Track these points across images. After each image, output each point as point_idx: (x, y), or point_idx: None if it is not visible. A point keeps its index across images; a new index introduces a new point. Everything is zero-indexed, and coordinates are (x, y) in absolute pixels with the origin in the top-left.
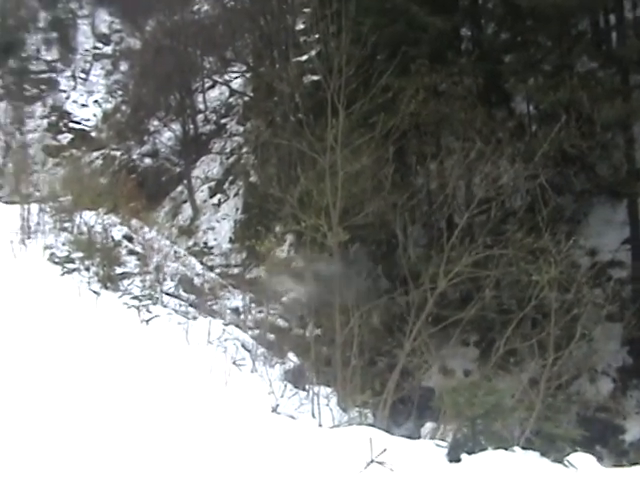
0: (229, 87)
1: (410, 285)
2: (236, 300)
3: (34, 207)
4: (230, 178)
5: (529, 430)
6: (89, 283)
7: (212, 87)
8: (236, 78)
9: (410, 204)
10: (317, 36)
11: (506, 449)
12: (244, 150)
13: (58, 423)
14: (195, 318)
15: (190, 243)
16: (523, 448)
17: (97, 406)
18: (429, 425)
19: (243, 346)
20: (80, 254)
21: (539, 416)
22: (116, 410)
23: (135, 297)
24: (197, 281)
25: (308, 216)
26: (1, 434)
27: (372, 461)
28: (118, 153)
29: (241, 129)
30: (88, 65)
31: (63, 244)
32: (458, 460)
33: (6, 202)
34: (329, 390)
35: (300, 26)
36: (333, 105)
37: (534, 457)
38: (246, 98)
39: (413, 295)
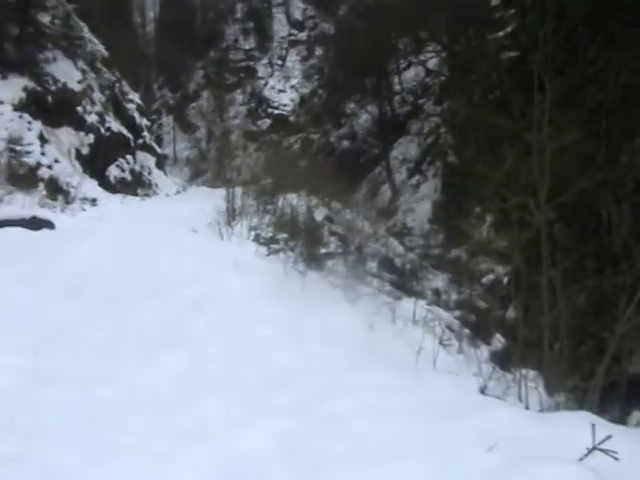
0: (425, 67)
1: (622, 265)
2: (436, 281)
3: (237, 190)
4: (428, 159)
5: None
6: (294, 263)
7: (407, 68)
8: (431, 58)
9: (618, 181)
10: (513, 11)
11: None
12: (442, 130)
13: None
14: (399, 298)
15: (389, 224)
16: None
17: None
18: (637, 414)
19: (447, 327)
20: (284, 235)
21: None
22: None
23: (341, 277)
24: (397, 262)
25: (514, 194)
26: None
27: (594, 448)
28: (316, 136)
29: (438, 109)
30: (284, 52)
31: (267, 225)
32: None
33: (210, 186)
34: (535, 373)
35: (495, 1)
36: (539, 80)
37: None
38: (442, 78)
39: (625, 276)
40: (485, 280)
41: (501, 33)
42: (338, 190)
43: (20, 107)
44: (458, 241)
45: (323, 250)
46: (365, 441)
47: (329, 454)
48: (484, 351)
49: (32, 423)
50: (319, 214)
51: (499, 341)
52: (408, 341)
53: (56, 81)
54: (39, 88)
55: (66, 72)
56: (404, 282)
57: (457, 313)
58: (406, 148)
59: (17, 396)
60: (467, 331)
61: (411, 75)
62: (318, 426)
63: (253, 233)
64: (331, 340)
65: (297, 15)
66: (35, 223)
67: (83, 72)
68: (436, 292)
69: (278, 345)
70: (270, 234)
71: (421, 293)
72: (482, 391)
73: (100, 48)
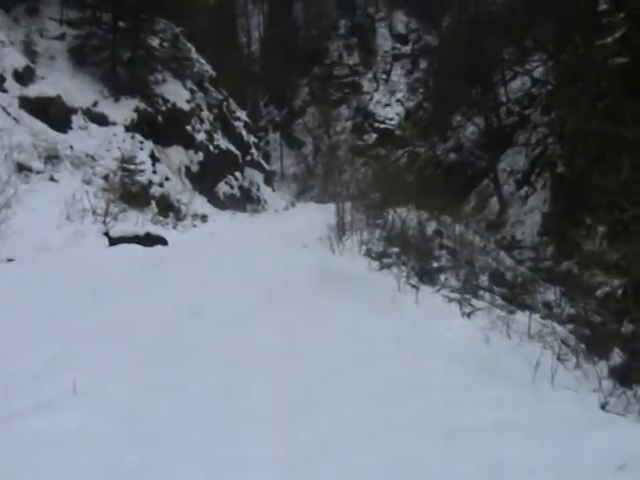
0: (531, 77)
1: None
2: (547, 294)
3: (346, 205)
4: (536, 170)
5: None
6: (407, 277)
7: (513, 78)
8: (537, 67)
9: None
10: (623, 15)
11: None
12: (550, 140)
13: None
14: (513, 312)
15: (498, 237)
16: None
17: None
18: None
19: (562, 341)
20: (395, 249)
21: None
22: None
23: (454, 290)
24: (508, 275)
25: (632, 204)
26: None
27: None
28: (422, 150)
29: (545, 119)
30: (388, 66)
31: (378, 240)
32: None
33: (318, 202)
34: None
35: (603, 6)
36: None
37: None
38: (549, 87)
39: None
40: (598, 293)
41: (610, 39)
42: (446, 203)
43: (132, 128)
44: (569, 253)
45: (435, 264)
46: (486, 457)
47: (449, 470)
48: (602, 366)
49: (154, 434)
50: (429, 228)
51: (618, 355)
52: (524, 356)
53: (166, 101)
54: (150, 109)
55: (175, 92)
56: (515, 296)
57: (570, 327)
58: (514, 159)
59: (138, 407)
60: (582, 346)
61: (517, 85)
62: (437, 441)
63: (364, 247)
64: (448, 355)
65: (400, 29)
66: (149, 240)
67: (192, 92)
68: (547, 305)
69: (395, 360)
70: (381, 248)
71: (532, 307)
72: (603, 407)
73: (207, 68)
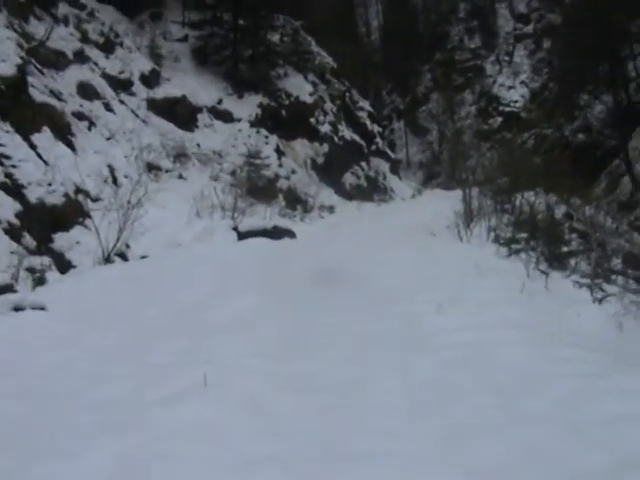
0: None
1: None
2: None
3: (473, 191)
4: None
5: None
6: (536, 263)
7: None
8: None
9: None
10: None
11: None
12: None
13: None
14: None
15: (632, 218)
16: None
17: None
18: None
19: None
20: (524, 235)
21: None
22: None
23: (585, 276)
24: None
25: None
26: None
27: None
28: (549, 131)
29: None
30: (511, 47)
31: (506, 225)
32: None
33: (444, 188)
34: None
35: None
36: None
37: None
38: None
39: None
40: None
41: None
42: (576, 185)
43: (256, 123)
44: None
45: (565, 248)
46: (620, 448)
47: (587, 465)
48: None
49: (290, 426)
50: (558, 211)
51: None
52: None
53: (289, 95)
54: (273, 103)
55: (298, 86)
56: None
57: None
58: None
59: (269, 400)
60: None
61: None
62: (570, 433)
63: (492, 234)
64: (579, 342)
65: (521, 8)
66: (277, 233)
67: (314, 85)
68: None
69: (524, 348)
70: (509, 234)
71: None
72: None
73: (328, 60)
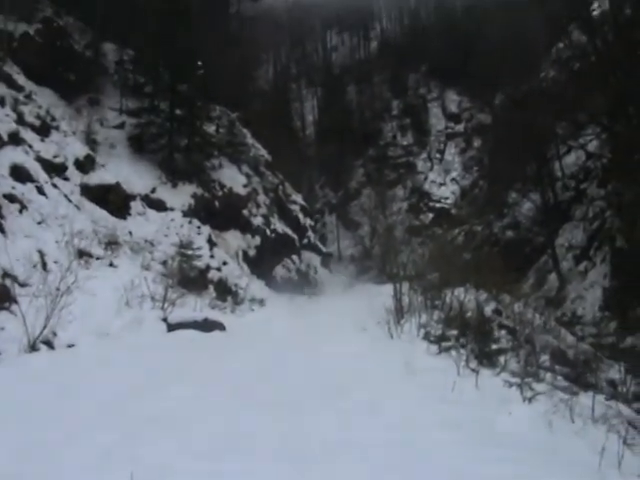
0: (585, 151)
1: None
2: (612, 372)
3: (404, 286)
4: (595, 244)
5: None
6: (467, 361)
7: (568, 152)
8: (591, 140)
9: None
10: None
11: None
12: (607, 214)
13: None
14: (576, 393)
15: (559, 313)
16: None
17: None
18: None
19: (629, 423)
20: (454, 332)
21: None
22: None
23: (514, 374)
24: (570, 353)
25: None
26: None
27: None
28: (479, 228)
29: (602, 192)
30: (442, 145)
31: (436, 322)
32: None
33: (375, 283)
34: None
35: None
36: None
37: None
38: (604, 160)
39: None
40: None
41: None
42: (505, 281)
43: (189, 213)
44: (633, 328)
45: (494, 346)
46: None
47: None
48: None
49: None
50: (487, 308)
51: None
52: (589, 441)
53: (222, 186)
54: (207, 194)
55: (232, 177)
56: (578, 375)
57: (637, 406)
58: (571, 234)
59: None
60: None
61: (572, 160)
62: None
63: (423, 331)
64: (510, 442)
65: (453, 108)
66: (207, 325)
67: (248, 176)
68: (612, 384)
69: (456, 449)
70: (440, 331)
71: (596, 386)
72: None
73: (263, 153)
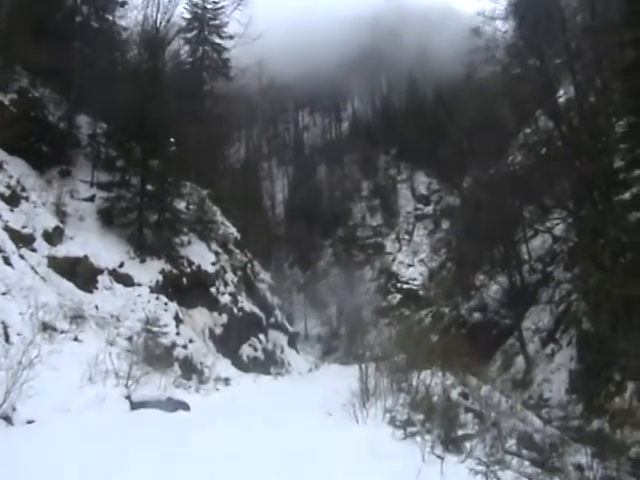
0: (552, 234)
1: None
2: (579, 455)
3: (370, 367)
4: (562, 327)
5: None
6: (432, 447)
7: (534, 236)
8: (558, 224)
9: None
10: (638, 172)
11: None
12: (574, 297)
13: None
14: None
15: (525, 396)
16: None
17: None
18: None
19: None
20: (420, 417)
21: None
22: None
23: (480, 461)
24: (536, 437)
25: None
26: None
27: None
28: (447, 309)
29: (569, 276)
30: (411, 227)
31: (403, 406)
32: None
33: (342, 363)
34: None
35: (619, 164)
36: None
37: None
38: (570, 243)
39: None
40: (632, 452)
41: (627, 194)
42: (472, 363)
43: (157, 289)
44: (599, 411)
45: (460, 432)
46: None
47: None
48: None
49: None
50: (454, 390)
51: None
52: None
53: (191, 263)
54: (175, 270)
55: (200, 254)
56: (545, 459)
57: None
58: (538, 317)
59: None
60: None
61: (538, 243)
62: None
63: (388, 415)
64: None
65: (422, 189)
66: (171, 405)
67: (216, 254)
68: (579, 468)
69: None
70: (405, 416)
71: (563, 470)
72: None
73: (232, 230)
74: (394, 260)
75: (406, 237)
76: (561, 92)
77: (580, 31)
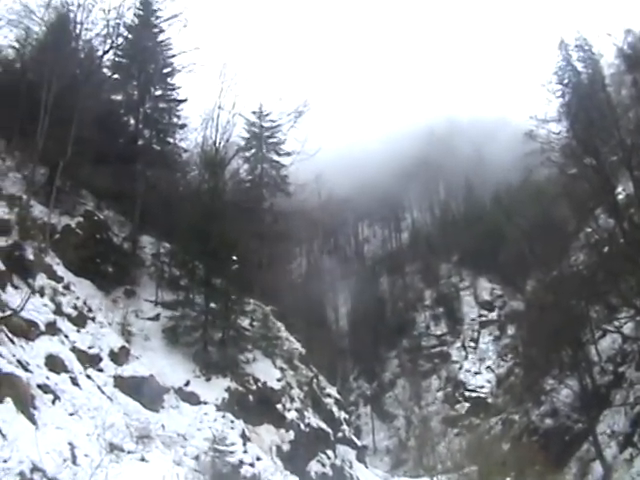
0: (621, 333)
1: None
2: None
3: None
4: (639, 430)
5: None
6: None
7: (603, 336)
8: (626, 323)
9: None
10: None
11: None
12: None
13: None
14: None
15: None
16: None
17: None
18: None
19: None
20: None
21: None
22: None
23: None
24: None
25: None
26: None
27: None
28: (517, 416)
29: None
30: (476, 334)
31: None
32: None
33: (412, 476)
34: None
35: None
36: None
37: None
38: None
39: None
40: None
41: None
42: (546, 472)
43: (223, 407)
44: None
45: None
46: None
47: None
48: None
49: None
50: None
51: None
52: None
53: (256, 380)
54: (241, 388)
55: (266, 371)
56: None
57: None
58: (613, 420)
59: None
60: None
61: (607, 343)
62: None
63: None
64: None
65: (485, 295)
66: None
67: (282, 370)
68: None
69: None
70: None
71: None
72: None
73: (297, 346)
74: (460, 368)
75: (472, 344)
76: (620, 189)
77: (634, 127)
